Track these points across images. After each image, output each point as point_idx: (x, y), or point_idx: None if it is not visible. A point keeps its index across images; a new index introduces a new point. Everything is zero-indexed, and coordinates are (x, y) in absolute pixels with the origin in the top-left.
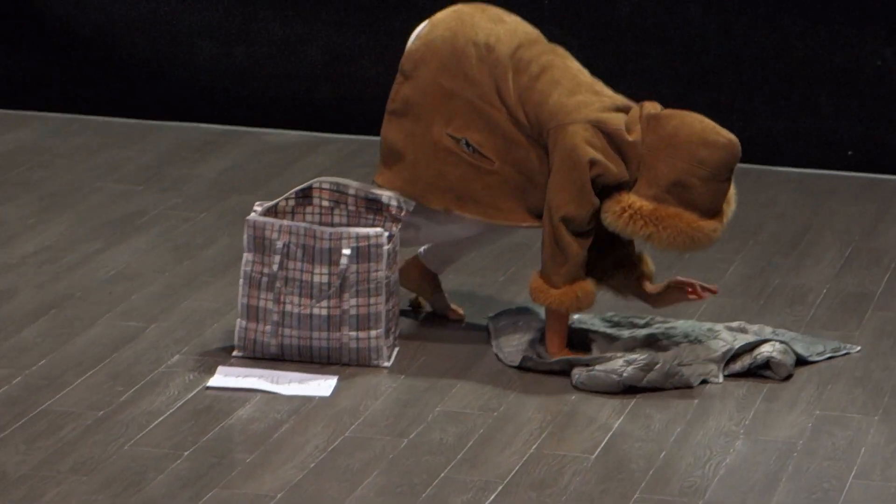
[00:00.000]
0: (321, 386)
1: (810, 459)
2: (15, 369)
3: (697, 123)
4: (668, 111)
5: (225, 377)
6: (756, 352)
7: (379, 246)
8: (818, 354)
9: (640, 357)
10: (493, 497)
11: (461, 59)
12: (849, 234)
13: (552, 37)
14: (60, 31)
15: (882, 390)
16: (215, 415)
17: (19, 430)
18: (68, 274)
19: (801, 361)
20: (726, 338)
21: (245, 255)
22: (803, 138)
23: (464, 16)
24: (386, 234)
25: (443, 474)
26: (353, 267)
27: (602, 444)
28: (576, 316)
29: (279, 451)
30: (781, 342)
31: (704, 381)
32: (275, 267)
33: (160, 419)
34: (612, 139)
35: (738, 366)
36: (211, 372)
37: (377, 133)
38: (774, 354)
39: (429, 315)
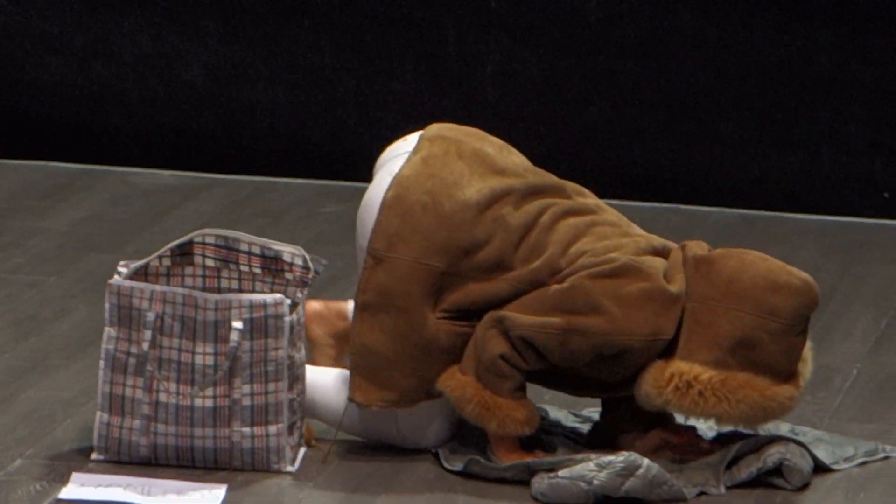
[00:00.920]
0: (206, 498)
1: None
2: None
3: (761, 263)
4: (721, 251)
5: (81, 487)
6: (765, 453)
7: (279, 317)
8: (846, 460)
9: (616, 459)
10: None
11: (451, 229)
12: (886, 300)
13: (499, 48)
14: None
15: None
16: None
17: None
18: None
19: (822, 468)
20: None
21: (107, 329)
22: (826, 178)
23: (436, 168)
24: (288, 301)
25: None
26: (247, 344)
27: None
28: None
29: None
30: (798, 443)
31: (702, 493)
32: (145, 345)
33: None
34: None
35: (743, 473)
36: (64, 481)
37: (275, 173)
38: (788, 457)
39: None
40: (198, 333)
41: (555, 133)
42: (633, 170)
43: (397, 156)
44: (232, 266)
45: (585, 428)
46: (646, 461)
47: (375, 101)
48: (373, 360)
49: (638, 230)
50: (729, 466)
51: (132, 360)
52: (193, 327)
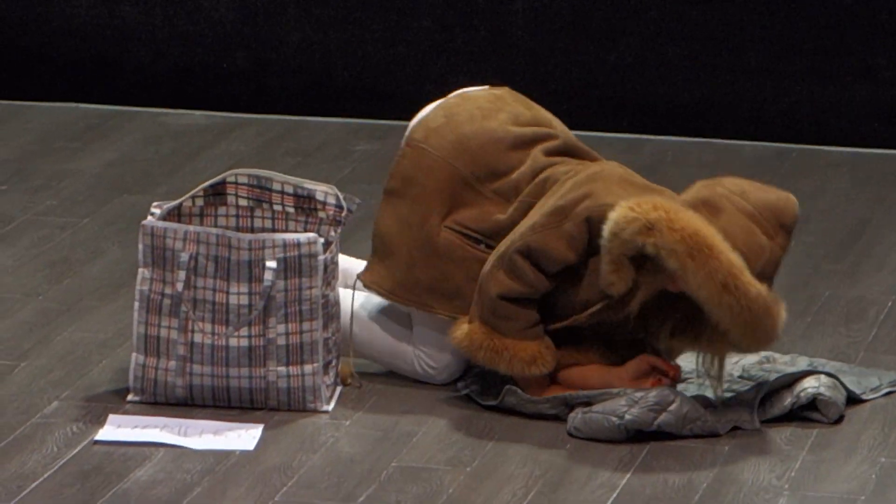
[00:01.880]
0: (242, 437)
1: None
2: None
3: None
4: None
5: (118, 428)
6: (798, 388)
7: (312, 256)
8: (873, 391)
9: (649, 394)
10: None
11: (486, 144)
12: None
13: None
14: None
15: None
16: (106, 477)
17: None
18: None
19: (851, 399)
20: (755, 374)
21: (141, 270)
22: (858, 110)
23: (498, 99)
24: (321, 240)
25: None
26: (281, 284)
27: None
28: None
29: None
30: (828, 375)
31: (735, 428)
32: (179, 286)
33: (35, 483)
34: None
35: (776, 408)
36: (100, 422)
37: (307, 112)
38: (822, 391)
39: None
40: (232, 273)
41: (585, 69)
42: (664, 104)
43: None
44: (265, 205)
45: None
46: (679, 396)
47: (406, 38)
48: (381, 244)
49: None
50: (762, 402)
51: (167, 301)
52: (227, 267)
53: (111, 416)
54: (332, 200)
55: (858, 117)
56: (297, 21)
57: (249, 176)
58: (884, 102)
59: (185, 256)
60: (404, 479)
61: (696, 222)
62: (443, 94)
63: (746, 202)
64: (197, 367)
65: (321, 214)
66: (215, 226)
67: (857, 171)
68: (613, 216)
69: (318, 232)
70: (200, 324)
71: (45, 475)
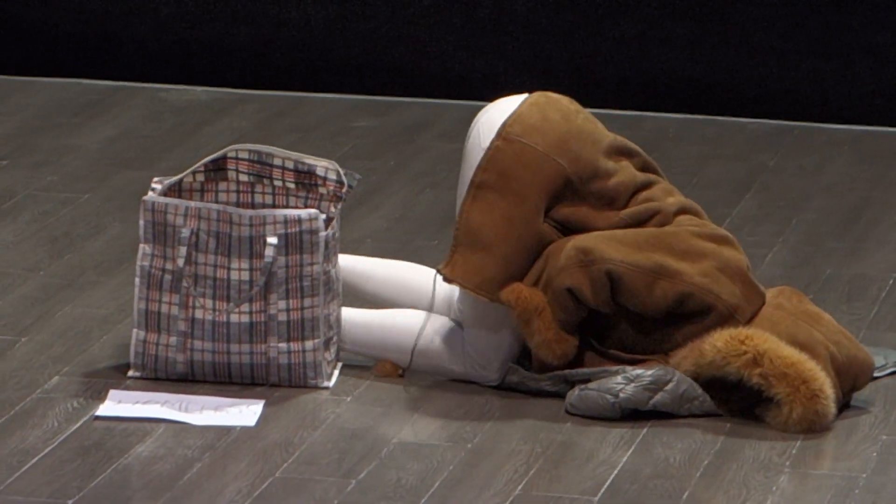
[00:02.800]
0: (243, 413)
1: (877, 497)
2: None
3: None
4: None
5: (118, 404)
6: None
7: (314, 232)
8: (878, 369)
9: (645, 373)
10: None
11: (583, 145)
12: None
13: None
14: None
15: None
16: (107, 452)
17: None
18: None
19: None
20: None
21: (141, 246)
22: (861, 87)
23: (574, 103)
24: (323, 216)
25: None
26: (282, 260)
27: (607, 484)
28: None
29: (191, 499)
30: None
31: None
32: (180, 261)
33: (36, 459)
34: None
35: None
36: (101, 398)
37: (307, 88)
38: None
39: None
40: (233, 249)
41: (587, 45)
42: (667, 81)
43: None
44: (266, 181)
45: None
46: (676, 375)
47: (407, 14)
48: (472, 239)
49: None
50: None
51: (167, 277)
52: (228, 243)
53: (112, 392)
54: (332, 176)
55: (861, 95)
56: None
57: (250, 151)
58: (886, 80)
59: (185, 232)
60: (405, 455)
61: (795, 356)
62: (444, 70)
63: (839, 354)
64: (198, 343)
65: (322, 190)
66: (216, 201)
67: (859, 148)
68: (718, 345)
69: (318, 208)
70: (201, 300)
71: (46, 451)
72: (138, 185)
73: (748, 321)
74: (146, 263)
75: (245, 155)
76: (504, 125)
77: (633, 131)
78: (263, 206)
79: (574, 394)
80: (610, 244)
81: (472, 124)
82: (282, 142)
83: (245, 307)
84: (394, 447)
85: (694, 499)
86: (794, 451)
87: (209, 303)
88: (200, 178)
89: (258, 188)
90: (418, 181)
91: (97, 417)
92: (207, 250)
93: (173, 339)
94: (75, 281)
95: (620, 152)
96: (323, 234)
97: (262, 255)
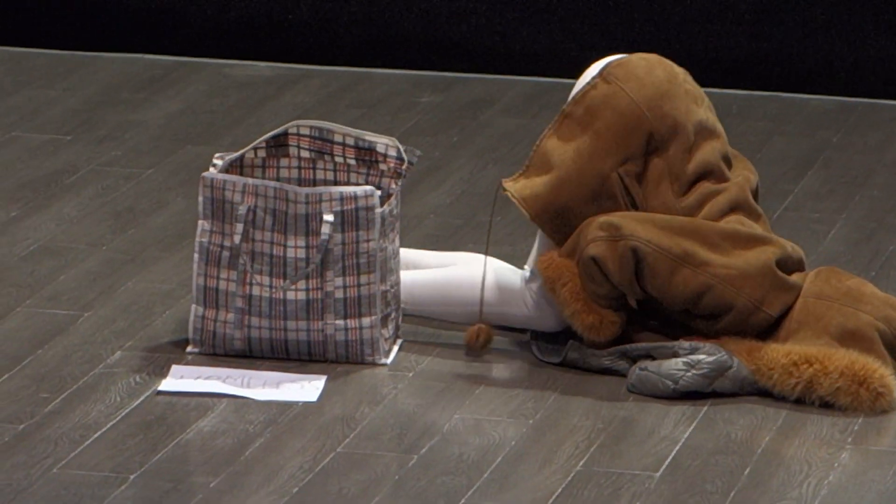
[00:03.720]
0: (305, 389)
1: None
2: None
3: (877, 290)
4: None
5: (181, 379)
6: None
7: (369, 209)
8: None
9: (706, 360)
10: None
11: (675, 105)
12: None
13: None
14: None
15: None
16: (169, 427)
17: None
18: None
19: None
20: None
21: (200, 222)
22: None
23: (682, 76)
24: (378, 192)
25: (464, 500)
26: (338, 237)
27: (668, 460)
28: None
29: (252, 473)
30: None
31: None
32: (237, 238)
33: (98, 433)
34: None
35: None
36: (163, 373)
37: (369, 64)
38: None
39: None
40: (289, 227)
41: (651, 21)
42: (729, 56)
43: None
44: (327, 157)
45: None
46: (736, 361)
47: None
48: (540, 162)
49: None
50: None
51: (225, 254)
52: (285, 220)
53: (174, 367)
54: (392, 153)
55: None
56: None
57: (311, 127)
58: None
59: (243, 209)
60: (467, 431)
61: (847, 357)
62: (507, 46)
63: (889, 328)
64: (255, 320)
65: (382, 167)
66: (277, 177)
67: None
68: (773, 376)
69: (379, 184)
70: (258, 276)
71: (108, 425)
72: (201, 161)
73: (785, 313)
74: (205, 240)
75: (306, 131)
76: (608, 65)
77: None
78: (325, 182)
79: (634, 373)
80: (642, 225)
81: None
82: (345, 117)
83: (302, 284)
84: (455, 423)
85: (755, 475)
86: (855, 428)
87: (266, 280)
88: (262, 154)
89: (319, 164)
90: (481, 157)
91: (159, 392)
92: (264, 227)
93: (231, 316)
94: (138, 256)
95: (710, 132)
96: (379, 210)
97: (318, 233)
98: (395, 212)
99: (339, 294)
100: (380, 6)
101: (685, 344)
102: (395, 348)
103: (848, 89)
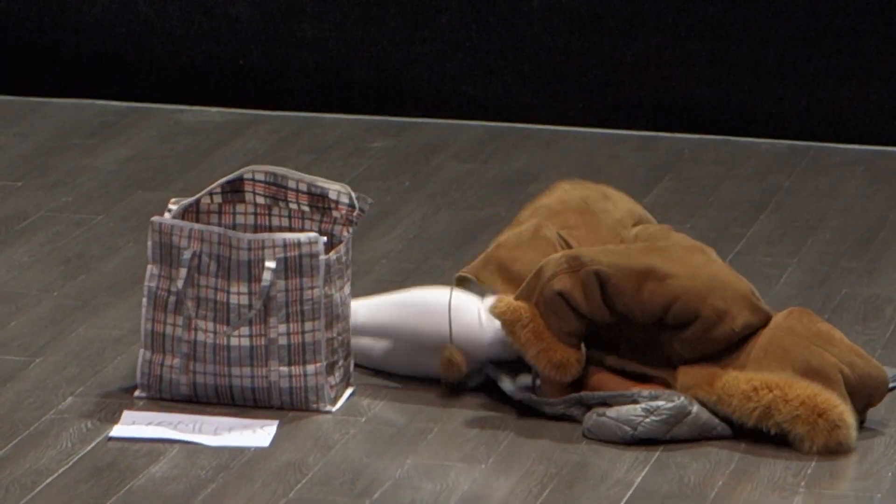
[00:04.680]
0: (257, 434)
1: None
2: None
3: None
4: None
5: (132, 425)
6: None
7: (314, 255)
8: (893, 379)
9: (665, 406)
10: None
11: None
12: None
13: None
14: None
15: None
16: (121, 473)
17: None
18: None
19: None
20: None
21: (149, 267)
22: (875, 108)
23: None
24: (323, 239)
25: None
26: (281, 283)
27: None
28: None
29: None
30: None
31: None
32: (180, 283)
33: (49, 479)
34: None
35: None
36: (114, 418)
37: (321, 109)
38: None
39: None
40: (232, 272)
41: (601, 66)
42: (680, 101)
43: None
44: (282, 203)
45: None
46: (695, 407)
47: (422, 35)
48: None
49: None
50: None
51: (172, 298)
52: (228, 266)
53: (125, 413)
54: (344, 200)
55: (876, 115)
56: (313, 18)
57: (266, 173)
58: None
59: (187, 254)
60: (419, 476)
61: (810, 389)
62: (458, 91)
63: (853, 374)
64: (200, 366)
65: (335, 213)
66: (233, 223)
67: (874, 169)
68: (733, 402)
69: (331, 231)
70: (203, 322)
71: (60, 471)
72: (153, 206)
73: (755, 332)
74: (153, 284)
75: (261, 177)
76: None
77: (648, 152)
78: (280, 228)
79: (591, 419)
80: (603, 252)
81: None
82: (297, 162)
83: (245, 330)
84: (408, 467)
85: None
86: (809, 472)
87: (210, 325)
88: (218, 199)
89: (275, 211)
90: (433, 201)
91: (111, 438)
92: (209, 273)
93: (177, 361)
94: (89, 302)
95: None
96: (323, 257)
97: (260, 279)
98: (343, 259)
99: (283, 340)
100: (330, 52)
101: (644, 392)
102: (347, 394)
103: (799, 133)
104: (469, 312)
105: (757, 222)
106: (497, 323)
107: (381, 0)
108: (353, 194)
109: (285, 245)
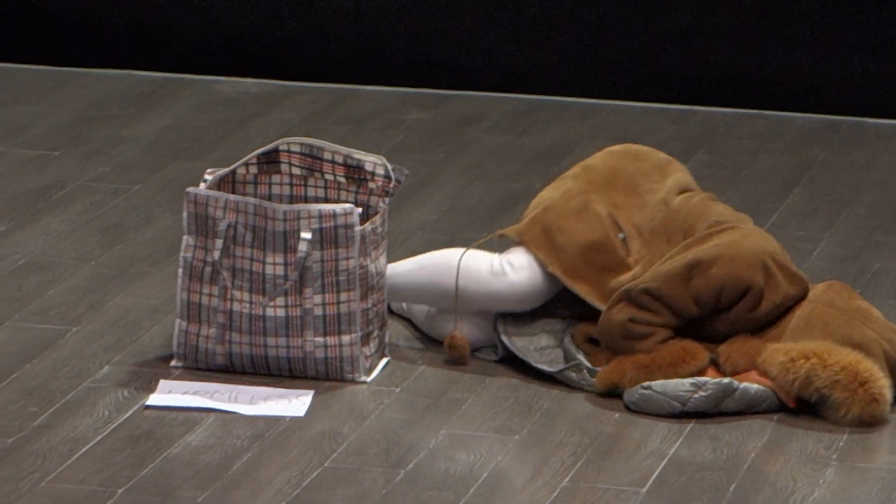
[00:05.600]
0: (292, 404)
1: None
2: None
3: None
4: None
5: (169, 394)
6: None
7: (349, 227)
8: None
9: (711, 381)
10: None
11: (641, 180)
12: None
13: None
14: None
15: None
16: (157, 442)
17: None
18: None
19: None
20: None
21: (185, 237)
22: None
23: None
24: (358, 210)
25: None
26: (317, 254)
27: (655, 475)
28: None
29: (239, 488)
30: None
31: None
32: (216, 254)
33: (86, 448)
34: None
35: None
36: (151, 387)
37: (357, 80)
38: None
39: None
40: (268, 243)
41: (635, 39)
42: (715, 75)
43: None
44: (318, 174)
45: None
46: (743, 384)
47: (457, 7)
48: (535, 205)
49: None
50: None
51: (208, 269)
52: (264, 237)
53: (162, 382)
54: (380, 171)
55: None
56: None
57: (301, 144)
58: None
59: (223, 225)
60: (453, 446)
61: (853, 356)
62: (495, 64)
63: (892, 351)
64: (236, 336)
65: (371, 185)
66: (269, 194)
67: None
68: (773, 373)
69: (367, 202)
70: (238, 292)
71: (96, 439)
72: (189, 177)
73: (791, 307)
74: (188, 254)
75: (297, 148)
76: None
77: (682, 125)
78: (316, 199)
79: (636, 392)
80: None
81: None
82: (332, 134)
83: (280, 301)
84: (441, 438)
85: (741, 491)
86: (841, 445)
87: (246, 296)
88: (254, 170)
89: (310, 182)
90: (467, 173)
91: (147, 407)
92: (245, 244)
93: (213, 331)
94: (126, 271)
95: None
96: (359, 228)
97: (296, 250)
98: (379, 230)
99: (319, 311)
100: (367, 23)
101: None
102: (382, 364)
103: (834, 108)
104: (479, 262)
105: (790, 196)
106: (512, 275)
107: None
108: (389, 165)
109: (321, 216)
